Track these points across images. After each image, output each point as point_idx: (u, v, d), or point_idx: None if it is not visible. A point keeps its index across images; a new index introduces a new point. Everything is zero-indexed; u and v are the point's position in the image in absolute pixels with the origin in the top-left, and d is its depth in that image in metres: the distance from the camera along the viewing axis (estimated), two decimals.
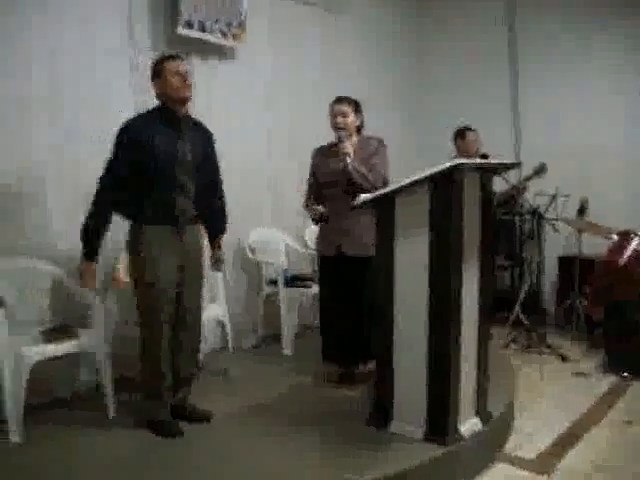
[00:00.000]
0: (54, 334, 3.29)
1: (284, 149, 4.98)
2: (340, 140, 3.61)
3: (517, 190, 5.13)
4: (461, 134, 5.17)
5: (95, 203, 3.00)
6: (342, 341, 3.75)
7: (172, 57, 3.09)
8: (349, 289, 3.67)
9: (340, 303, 3.71)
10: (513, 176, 5.13)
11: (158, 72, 3.06)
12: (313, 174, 3.81)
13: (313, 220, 3.79)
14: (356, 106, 3.73)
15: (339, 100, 3.70)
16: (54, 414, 3.36)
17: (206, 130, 3.29)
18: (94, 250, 3.03)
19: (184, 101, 3.08)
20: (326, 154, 3.76)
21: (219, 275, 3.98)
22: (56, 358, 3.24)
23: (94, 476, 2.75)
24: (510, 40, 6.10)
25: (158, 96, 3.09)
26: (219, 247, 3.47)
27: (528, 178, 5.07)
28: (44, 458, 2.88)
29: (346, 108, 3.67)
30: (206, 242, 3.43)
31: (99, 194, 3.00)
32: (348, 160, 3.56)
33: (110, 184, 2.99)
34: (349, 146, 3.60)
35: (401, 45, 6.35)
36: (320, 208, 3.67)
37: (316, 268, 4.11)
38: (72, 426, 3.22)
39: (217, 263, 3.49)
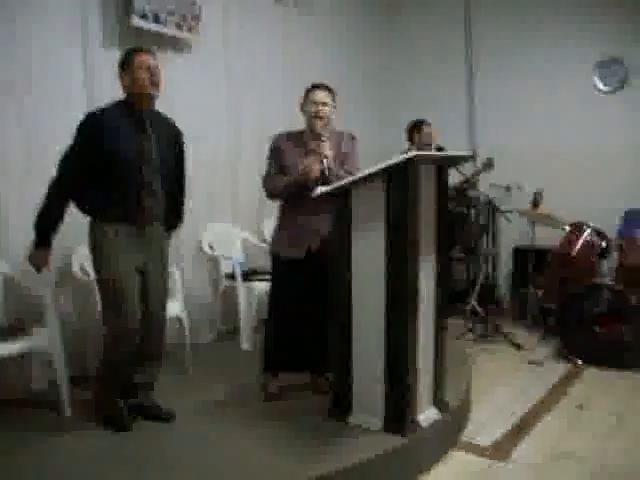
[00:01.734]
0: (6, 333, 3.22)
1: (242, 143, 4.95)
2: (321, 136, 3.26)
3: (468, 182, 5.22)
4: (417, 127, 5.22)
5: (51, 191, 2.92)
6: (308, 347, 3.47)
7: (141, 50, 3.00)
8: (317, 292, 3.34)
9: (305, 307, 3.39)
10: (468, 169, 5.21)
11: (125, 64, 2.97)
12: (276, 161, 3.39)
13: (308, 185, 3.22)
14: (333, 95, 3.45)
15: (319, 86, 3.40)
16: (8, 414, 3.29)
17: (174, 127, 3.21)
18: (48, 239, 2.95)
19: (149, 98, 3.01)
20: (295, 143, 3.40)
21: (176, 271, 3.94)
22: (9, 357, 3.17)
23: (51, 476, 2.69)
24: (466, 33, 6.18)
25: (124, 89, 3.00)
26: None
27: (476, 173, 5.16)
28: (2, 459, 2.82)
29: (326, 96, 3.38)
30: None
31: (56, 183, 2.92)
32: (325, 164, 3.19)
33: (68, 173, 2.91)
34: (328, 147, 3.25)
35: (363, 38, 6.33)
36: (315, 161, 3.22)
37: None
38: (27, 426, 3.15)
39: None
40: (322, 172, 3.21)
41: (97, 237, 3.00)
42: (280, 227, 3.46)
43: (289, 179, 3.31)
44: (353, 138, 3.49)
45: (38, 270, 3.01)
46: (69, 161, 2.92)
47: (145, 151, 2.98)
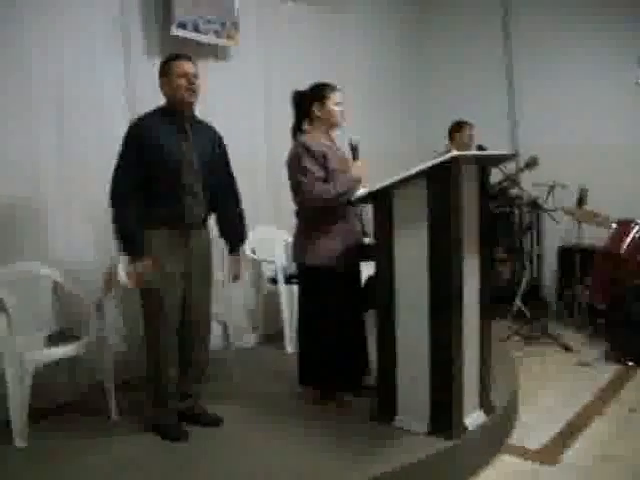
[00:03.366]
0: (56, 338, 3.30)
1: (282, 148, 4.94)
2: (354, 153, 3.28)
3: (510, 181, 5.16)
4: (458, 128, 5.19)
5: (115, 204, 2.95)
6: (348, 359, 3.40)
7: (179, 57, 3.04)
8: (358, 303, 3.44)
9: (343, 319, 3.35)
10: (509, 168, 5.15)
11: (165, 71, 3.02)
12: (322, 166, 3.20)
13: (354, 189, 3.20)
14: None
15: (339, 88, 3.34)
16: (58, 418, 3.35)
17: (215, 132, 3.24)
18: (138, 248, 2.95)
19: (188, 105, 3.05)
20: (329, 148, 3.30)
21: (219, 275, 3.97)
22: (59, 362, 3.24)
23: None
24: (505, 30, 6.10)
25: (164, 95, 3.05)
26: (237, 260, 3.41)
27: (520, 170, 5.09)
28: (48, 463, 2.88)
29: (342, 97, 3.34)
30: (225, 253, 3.41)
31: (115, 195, 2.95)
32: (361, 189, 3.19)
33: (123, 181, 2.94)
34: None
35: (401, 41, 6.30)
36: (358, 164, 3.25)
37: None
38: (76, 430, 3.21)
39: (233, 275, 3.42)
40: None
41: None
42: (328, 237, 3.27)
43: (347, 186, 3.19)
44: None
45: (134, 285, 3.02)
46: (121, 172, 2.96)
47: (186, 154, 3.01)
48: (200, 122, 3.18)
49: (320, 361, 3.38)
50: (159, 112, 3.06)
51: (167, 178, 2.97)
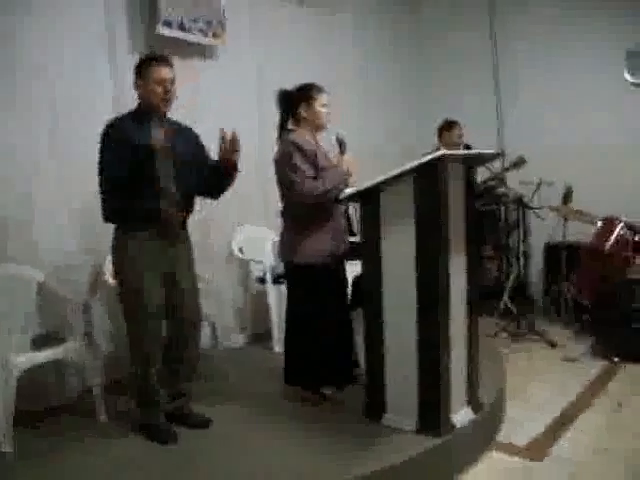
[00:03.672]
0: (41, 341, 3.27)
1: (271, 148, 4.95)
2: (341, 147, 3.32)
3: (497, 180, 5.20)
4: (447, 127, 5.23)
5: (108, 202, 2.94)
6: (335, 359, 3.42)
7: (157, 60, 2.98)
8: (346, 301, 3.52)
9: (334, 318, 3.38)
10: (496, 166, 5.18)
11: (141, 74, 2.97)
12: (312, 164, 3.22)
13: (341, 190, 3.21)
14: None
15: (325, 89, 3.35)
16: (45, 421, 3.33)
17: (189, 131, 3.21)
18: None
19: (162, 112, 3.02)
20: (317, 146, 3.32)
21: (207, 275, 3.96)
22: (45, 365, 3.22)
23: None
24: (492, 29, 6.13)
25: (138, 96, 3.02)
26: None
27: (506, 170, 5.13)
28: (35, 467, 2.85)
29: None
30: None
31: (107, 199, 2.93)
32: (352, 180, 3.26)
33: (112, 187, 2.91)
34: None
35: (392, 37, 6.32)
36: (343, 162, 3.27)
37: None
38: (63, 433, 3.19)
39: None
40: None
41: (121, 245, 3.01)
42: (316, 235, 3.26)
43: (337, 181, 3.21)
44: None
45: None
46: (107, 177, 2.92)
47: (158, 155, 2.93)
48: (174, 123, 3.12)
49: (306, 360, 3.37)
50: (132, 114, 3.02)
51: (142, 181, 2.92)
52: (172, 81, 2.99)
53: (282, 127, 3.42)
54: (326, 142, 3.42)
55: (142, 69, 2.98)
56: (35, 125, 3.56)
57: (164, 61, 3.00)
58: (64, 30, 3.68)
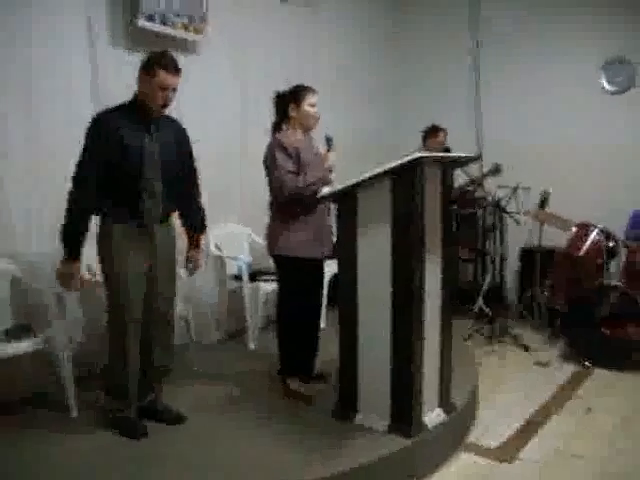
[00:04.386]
0: (13, 333, 3.24)
1: (250, 143, 4.94)
2: (329, 144, 3.42)
3: (474, 184, 5.24)
4: (434, 132, 5.28)
5: (71, 207, 2.89)
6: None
7: (169, 67, 2.92)
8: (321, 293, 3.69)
9: (317, 312, 3.67)
10: (473, 170, 5.22)
11: (149, 73, 2.92)
12: (295, 160, 3.34)
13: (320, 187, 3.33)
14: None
15: (315, 90, 3.47)
16: (16, 414, 3.30)
17: (179, 126, 3.19)
18: (77, 250, 2.93)
19: (157, 115, 3.02)
20: (304, 143, 3.45)
21: (182, 272, 3.94)
22: (17, 357, 3.18)
23: (56, 477, 2.70)
24: (472, 32, 6.16)
25: (138, 91, 2.98)
26: (197, 247, 3.40)
27: (483, 177, 5.18)
28: (5, 459, 2.82)
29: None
30: (186, 242, 3.40)
31: (75, 196, 2.89)
32: (332, 176, 3.42)
33: (84, 184, 2.89)
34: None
35: (370, 36, 6.32)
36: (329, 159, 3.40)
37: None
38: (34, 426, 3.16)
39: (192, 265, 3.42)
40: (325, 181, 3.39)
41: (104, 237, 3.01)
42: (297, 228, 3.39)
43: (317, 176, 3.31)
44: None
45: (66, 286, 3.00)
46: (82, 174, 2.90)
47: (148, 155, 2.96)
48: (165, 118, 3.11)
49: (288, 352, 3.57)
50: (124, 108, 2.99)
51: (127, 179, 2.93)
52: (175, 89, 2.98)
53: (275, 128, 3.53)
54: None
55: (151, 69, 2.92)
56: (6, 114, 3.49)
57: (174, 69, 2.95)
58: (44, 20, 3.63)
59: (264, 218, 3.71)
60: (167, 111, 3.10)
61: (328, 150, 3.43)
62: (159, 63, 2.92)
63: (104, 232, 3.01)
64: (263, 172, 3.47)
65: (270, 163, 3.38)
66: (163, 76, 2.91)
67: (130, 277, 2.99)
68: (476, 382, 3.81)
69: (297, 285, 3.46)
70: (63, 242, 2.92)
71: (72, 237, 2.92)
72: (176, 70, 2.96)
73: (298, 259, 3.40)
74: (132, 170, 2.93)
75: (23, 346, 3.17)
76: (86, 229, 2.93)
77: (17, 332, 3.26)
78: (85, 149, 2.91)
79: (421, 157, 2.85)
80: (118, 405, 3.11)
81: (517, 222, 5.11)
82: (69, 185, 2.92)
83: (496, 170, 5.02)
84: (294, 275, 3.46)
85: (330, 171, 3.40)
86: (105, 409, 3.19)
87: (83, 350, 3.65)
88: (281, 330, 3.59)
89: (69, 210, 2.90)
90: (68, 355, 3.32)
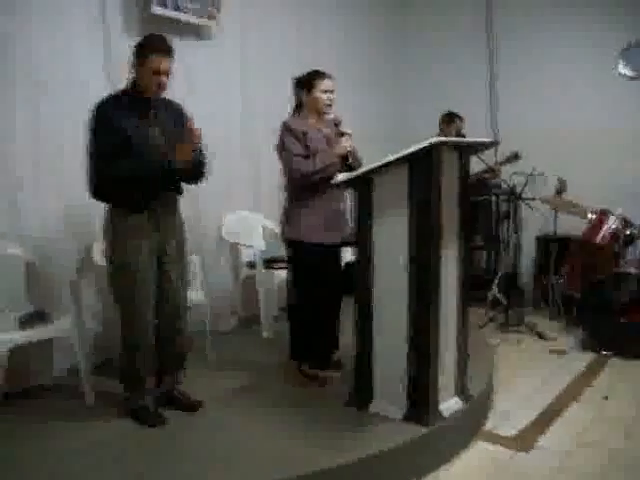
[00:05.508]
0: (29, 320, 3.23)
1: (263, 130, 4.90)
2: (339, 128, 3.38)
3: (491, 172, 5.20)
4: (449, 119, 5.27)
5: (100, 177, 2.88)
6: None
7: (159, 50, 2.89)
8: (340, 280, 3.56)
9: (336, 295, 3.58)
10: (488, 157, 5.16)
11: (141, 58, 2.89)
12: (303, 144, 3.35)
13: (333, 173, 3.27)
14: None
15: (329, 76, 3.43)
16: (32, 402, 3.31)
17: (178, 108, 3.15)
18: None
19: (154, 97, 2.98)
20: (315, 127, 3.44)
21: (196, 259, 3.93)
22: (33, 344, 3.18)
23: (72, 466, 2.69)
24: (487, 17, 6.08)
25: (132, 77, 2.95)
26: None
27: (501, 164, 5.16)
28: (21, 448, 2.82)
29: (335, 84, 3.44)
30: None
31: (100, 166, 2.86)
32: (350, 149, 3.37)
33: (105, 158, 2.85)
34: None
35: (379, 23, 6.28)
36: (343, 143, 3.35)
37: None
38: (49, 412, 3.17)
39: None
40: (347, 157, 3.35)
41: (111, 223, 2.99)
42: (308, 213, 3.38)
43: (326, 162, 3.29)
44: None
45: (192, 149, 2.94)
46: (99, 161, 2.87)
47: (149, 137, 2.93)
48: (165, 102, 3.08)
49: (298, 337, 3.57)
50: (123, 95, 2.97)
51: (132, 162, 2.89)
52: (169, 72, 2.94)
53: (293, 113, 3.55)
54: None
55: (142, 54, 2.90)
56: (18, 103, 3.48)
57: (166, 51, 2.92)
58: (58, 5, 3.61)
59: (277, 205, 3.71)
60: (179, 94, 3.07)
61: (340, 135, 3.38)
62: (148, 46, 2.90)
63: (111, 218, 3.00)
64: (275, 159, 3.47)
65: (279, 147, 3.43)
66: (155, 60, 2.88)
67: (138, 263, 2.96)
68: (492, 370, 3.79)
69: (306, 270, 3.45)
70: (129, 195, 2.91)
71: (134, 181, 2.88)
72: (168, 52, 2.93)
73: (308, 244, 3.39)
74: (135, 154, 2.88)
75: (38, 334, 3.17)
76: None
77: (32, 319, 3.25)
78: (93, 140, 2.89)
79: (439, 142, 2.81)
80: (134, 393, 3.11)
81: (532, 209, 5.06)
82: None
83: (515, 157, 5.00)
84: (304, 260, 3.45)
85: (344, 157, 3.33)
86: (121, 397, 3.18)
87: (99, 338, 3.66)
88: (290, 314, 3.66)
89: (101, 179, 2.89)
90: (85, 343, 3.32)
